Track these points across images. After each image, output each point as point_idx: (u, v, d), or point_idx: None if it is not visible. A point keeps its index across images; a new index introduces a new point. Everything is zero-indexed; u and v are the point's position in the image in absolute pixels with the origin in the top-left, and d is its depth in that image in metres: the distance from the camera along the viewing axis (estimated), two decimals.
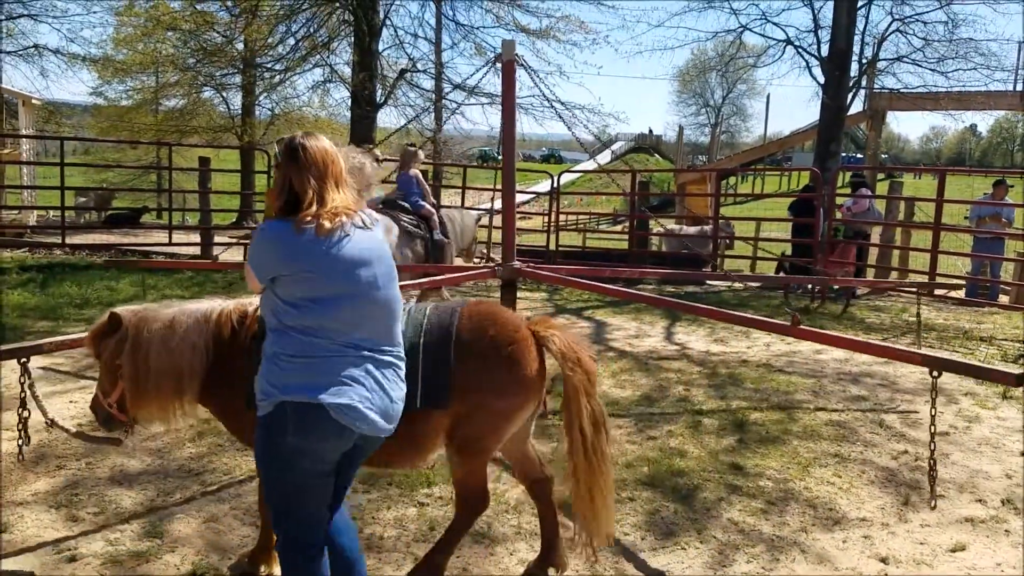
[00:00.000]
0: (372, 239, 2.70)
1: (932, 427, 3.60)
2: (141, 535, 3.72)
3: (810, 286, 11.08)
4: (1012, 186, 11.71)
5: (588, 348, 3.36)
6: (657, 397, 6.12)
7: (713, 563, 3.70)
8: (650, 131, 62.35)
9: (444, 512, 4.03)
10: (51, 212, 15.80)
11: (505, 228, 6.00)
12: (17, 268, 10.52)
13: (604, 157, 56.70)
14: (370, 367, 2.62)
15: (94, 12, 42.04)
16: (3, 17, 24.22)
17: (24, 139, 16.61)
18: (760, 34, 16.41)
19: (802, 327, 4.31)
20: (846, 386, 6.55)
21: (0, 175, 15.79)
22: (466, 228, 8.16)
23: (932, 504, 3.71)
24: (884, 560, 3.76)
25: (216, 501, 4.05)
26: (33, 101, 20.37)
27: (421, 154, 7.87)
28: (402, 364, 2.77)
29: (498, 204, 7.58)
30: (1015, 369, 4.50)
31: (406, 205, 7.57)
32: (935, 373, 3.59)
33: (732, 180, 42.72)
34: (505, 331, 3.17)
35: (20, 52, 24.64)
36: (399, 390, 2.73)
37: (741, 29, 16.15)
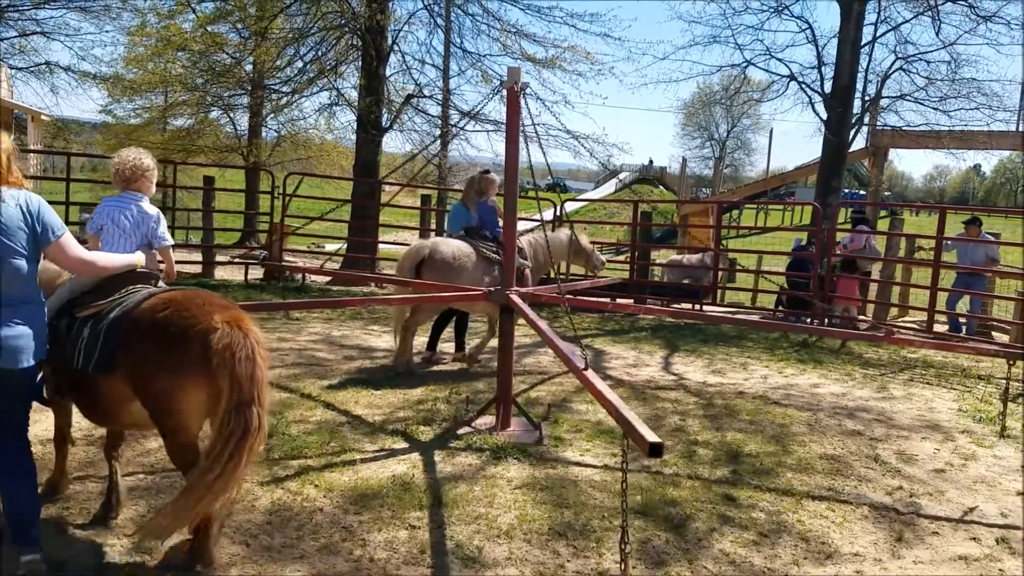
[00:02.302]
0: None
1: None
2: (131, 550, 3.70)
3: (808, 320, 11.11)
4: (981, 223, 11.70)
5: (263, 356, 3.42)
6: (652, 426, 6.03)
7: None
8: (651, 162, 62.66)
9: (436, 535, 4.02)
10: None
11: (505, 255, 6.04)
12: None
13: (609, 187, 57.06)
14: None
15: (106, 31, 42.55)
16: (15, 34, 24.55)
17: (32, 154, 16.77)
18: (764, 69, 16.58)
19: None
20: (842, 420, 6.54)
21: None
22: (554, 251, 8.18)
23: None
24: None
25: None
26: (42, 117, 20.59)
27: (497, 181, 7.93)
28: None
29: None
30: None
31: (486, 233, 7.67)
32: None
33: (735, 213, 42.95)
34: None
35: (31, 69, 24.92)
36: None
37: (745, 64, 16.32)
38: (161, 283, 3.98)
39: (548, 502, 4.53)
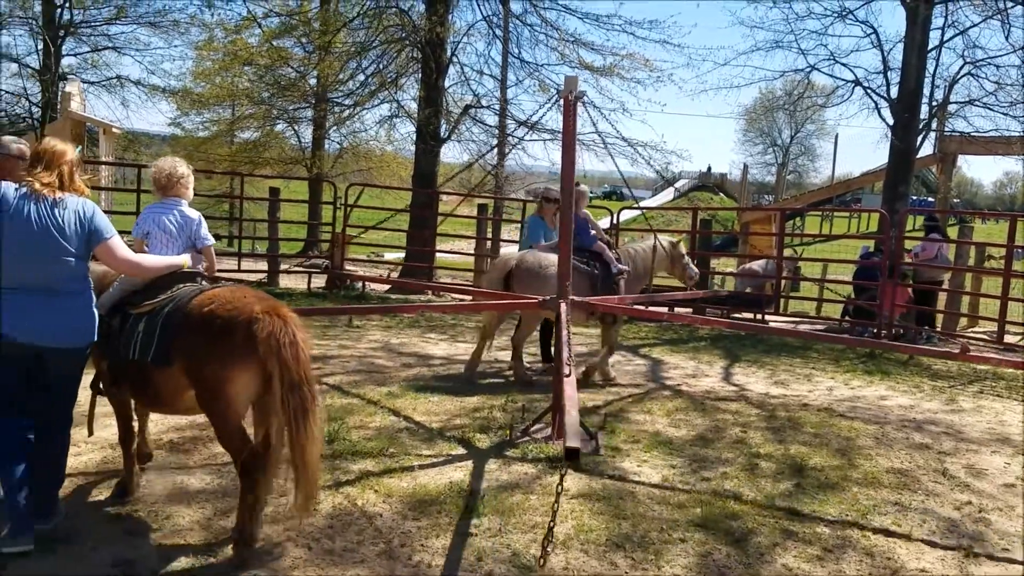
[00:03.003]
0: None
1: None
2: (196, 553, 3.81)
3: (875, 330, 10.82)
4: None
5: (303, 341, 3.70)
6: (712, 438, 6.03)
7: None
8: (709, 169, 61.88)
9: (492, 543, 4.04)
10: (126, 237, 16.47)
11: (560, 263, 6.04)
12: None
13: (667, 195, 56.59)
14: None
15: (175, 46, 44.07)
16: (88, 49, 25.59)
17: (103, 166, 17.42)
18: (828, 74, 16.30)
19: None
20: (910, 433, 6.35)
21: None
22: (657, 260, 8.11)
23: None
24: None
25: (269, 522, 4.12)
26: (113, 130, 21.35)
27: (587, 192, 7.96)
28: None
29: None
30: None
31: (574, 244, 7.63)
32: None
33: (798, 220, 42.07)
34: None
35: (103, 83, 25.99)
36: None
37: (809, 69, 16.05)
38: (204, 281, 4.30)
39: (605, 513, 4.51)
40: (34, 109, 23.80)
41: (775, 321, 12.42)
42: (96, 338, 3.91)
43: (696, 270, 8.78)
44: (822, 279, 15.04)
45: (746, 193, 54.69)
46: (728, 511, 4.61)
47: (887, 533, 4.42)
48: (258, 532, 3.87)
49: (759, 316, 12.21)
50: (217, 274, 4.76)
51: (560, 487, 3.94)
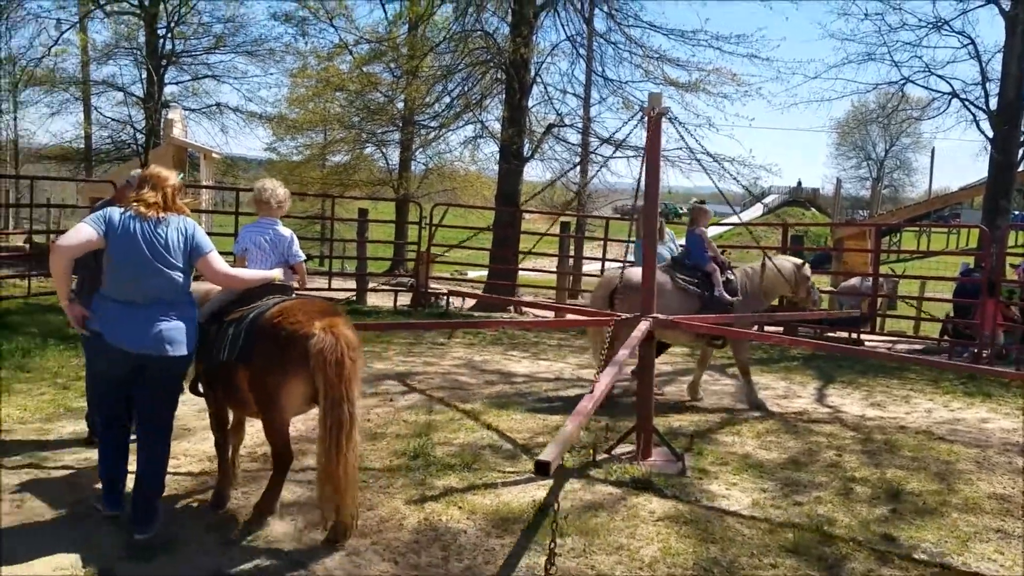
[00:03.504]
0: None
1: None
2: (287, 565, 3.92)
3: (976, 350, 10.31)
4: None
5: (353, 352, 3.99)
6: (805, 461, 5.85)
7: None
8: (799, 184, 60.24)
9: (577, 563, 4.02)
10: (228, 258, 17.21)
11: (645, 280, 5.99)
12: None
13: (756, 211, 55.30)
14: None
15: (271, 73, 45.95)
16: (189, 78, 26.95)
17: (204, 189, 18.25)
18: (924, 86, 15.75)
19: None
20: (1012, 458, 6.01)
21: None
22: (775, 282, 7.76)
23: None
24: None
25: (357, 536, 4.21)
26: (213, 155, 22.40)
27: (710, 212, 7.89)
28: None
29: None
30: None
31: (687, 263, 7.59)
32: None
33: (894, 237, 40.45)
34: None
35: (203, 110, 27.29)
36: None
37: (903, 81, 15.52)
38: (294, 294, 4.65)
39: (692, 536, 4.42)
40: (138, 136, 25.15)
41: (871, 340, 11.98)
42: (196, 347, 4.23)
43: (819, 294, 8.28)
44: (920, 297, 14.42)
45: (839, 208, 52.96)
46: (821, 537, 4.45)
47: (988, 561, 4.19)
48: (276, 507, 4.36)
49: (855, 335, 11.78)
50: (308, 290, 5.11)
51: (557, 506, 4.00)
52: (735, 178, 15.26)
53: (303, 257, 4.90)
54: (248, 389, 4.17)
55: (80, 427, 5.71)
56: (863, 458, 5.96)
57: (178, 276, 4.07)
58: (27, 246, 16.42)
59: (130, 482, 4.24)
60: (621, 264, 7.62)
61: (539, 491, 4.99)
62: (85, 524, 4.20)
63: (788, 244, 13.28)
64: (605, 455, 5.70)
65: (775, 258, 7.98)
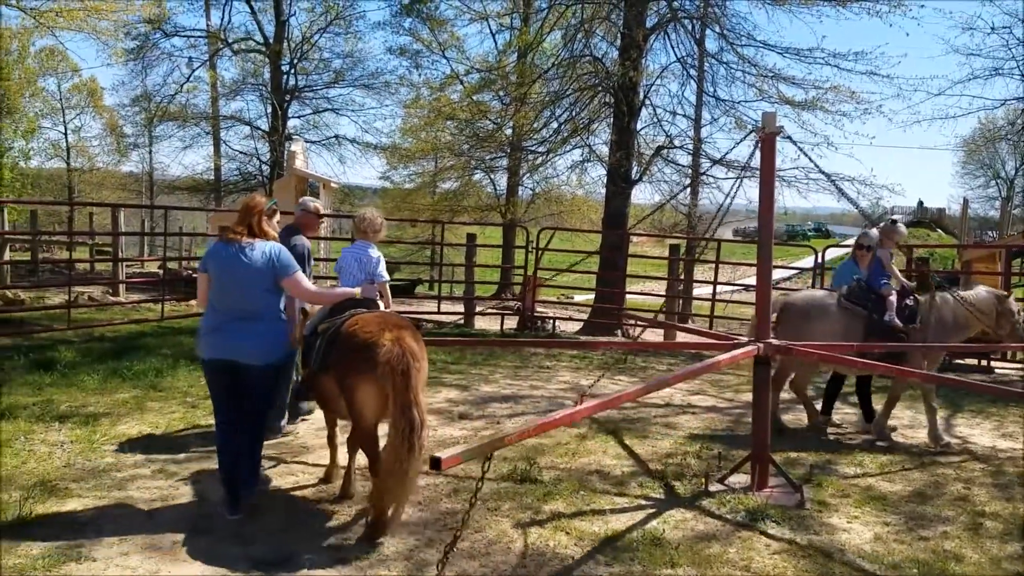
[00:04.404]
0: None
1: None
2: None
3: None
4: None
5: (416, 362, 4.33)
6: (932, 494, 5.49)
7: None
8: (920, 203, 57.29)
9: None
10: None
11: (759, 304, 5.80)
12: None
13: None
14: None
15: (386, 105, 47.77)
16: (310, 111, 28.28)
17: (324, 218, 19.00)
18: None
19: None
20: None
21: None
22: (968, 315, 6.99)
23: None
24: None
25: (466, 557, 4.23)
26: (332, 185, 23.30)
27: (903, 230, 7.44)
28: None
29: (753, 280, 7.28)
30: None
31: (864, 284, 7.15)
32: None
33: None
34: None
35: (323, 141, 28.60)
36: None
37: None
38: (375, 307, 5.11)
39: (811, 570, 4.22)
40: (263, 167, 26.58)
41: (1001, 367, 11.19)
42: (284, 357, 4.86)
43: None
44: None
45: (967, 229, 49.98)
46: (948, 574, 4.16)
47: None
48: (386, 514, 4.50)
49: (983, 363, 11.04)
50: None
51: (473, 500, 3.70)
52: (853, 202, 14.66)
53: (386, 278, 5.47)
54: (333, 395, 4.64)
55: (208, 444, 6.01)
56: (993, 491, 5.57)
57: (265, 294, 4.62)
58: (161, 272, 17.54)
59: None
60: (737, 287, 7.42)
61: (649, 519, 4.88)
62: (208, 537, 4.40)
63: (913, 266, 12.62)
64: (719, 484, 5.52)
65: (976, 288, 7.28)
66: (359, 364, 4.35)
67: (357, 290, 5.09)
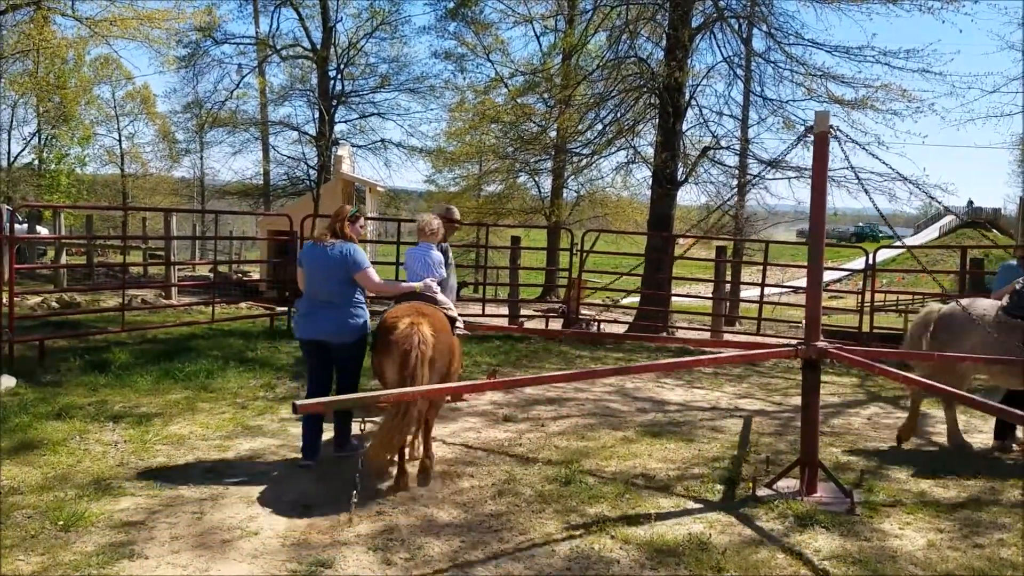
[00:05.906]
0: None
1: None
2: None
3: None
4: None
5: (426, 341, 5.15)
6: (988, 500, 5.33)
7: None
8: (970, 203, 55.74)
9: None
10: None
11: (809, 306, 5.69)
12: None
13: (931, 232, 51.56)
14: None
15: (431, 109, 48.15)
16: (356, 116, 28.63)
17: (369, 221, 19.25)
18: None
19: None
20: None
21: None
22: None
23: None
24: None
25: (511, 559, 4.24)
26: (378, 188, 23.57)
27: None
28: None
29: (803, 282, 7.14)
30: None
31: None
32: None
33: None
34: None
35: (369, 145, 28.95)
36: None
37: None
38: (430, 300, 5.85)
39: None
40: (311, 172, 26.98)
41: None
42: (359, 338, 5.74)
43: None
44: None
45: (1023, 229, 48.47)
46: None
47: None
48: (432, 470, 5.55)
49: None
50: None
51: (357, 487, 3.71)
52: (904, 200, 14.29)
53: (442, 275, 6.21)
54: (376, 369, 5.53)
55: (257, 444, 6.12)
56: None
57: (343, 285, 5.63)
58: (211, 275, 17.91)
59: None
60: (786, 290, 7.29)
61: (695, 524, 4.83)
62: (256, 538, 4.47)
63: (968, 267, 12.30)
64: (767, 489, 5.44)
65: None
66: (379, 342, 5.34)
67: (418, 284, 5.88)
